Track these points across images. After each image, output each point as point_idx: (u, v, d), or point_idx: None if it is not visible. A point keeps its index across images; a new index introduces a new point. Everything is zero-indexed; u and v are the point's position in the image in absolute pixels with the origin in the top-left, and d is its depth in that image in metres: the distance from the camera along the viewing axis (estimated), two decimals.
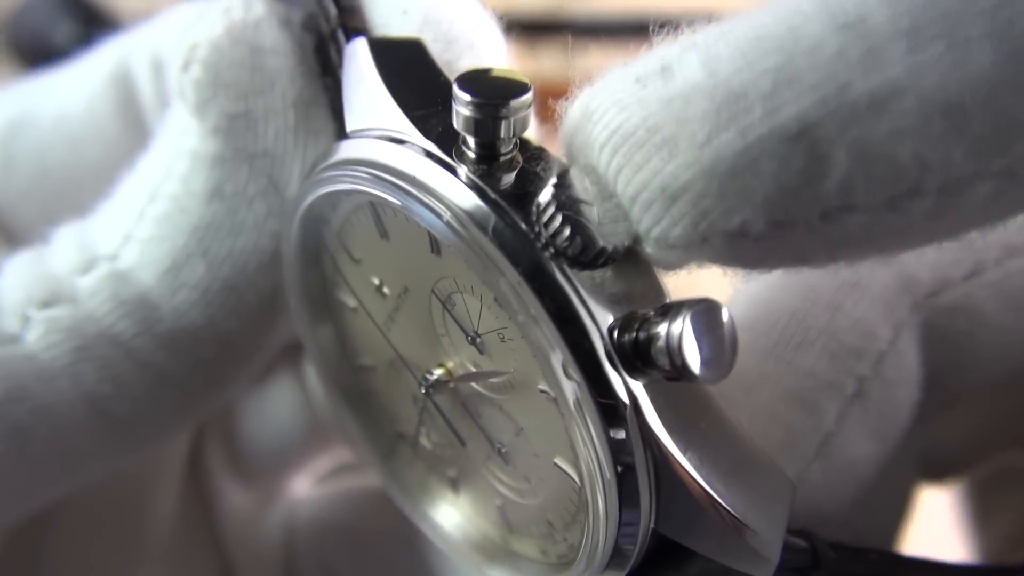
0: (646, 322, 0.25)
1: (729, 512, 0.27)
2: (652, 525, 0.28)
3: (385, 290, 0.34)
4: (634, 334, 0.25)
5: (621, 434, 0.26)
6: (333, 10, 0.34)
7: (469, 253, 0.27)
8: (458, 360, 0.33)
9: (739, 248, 0.24)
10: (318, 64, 0.35)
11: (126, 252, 0.35)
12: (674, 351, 0.24)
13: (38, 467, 0.35)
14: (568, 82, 0.30)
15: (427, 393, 0.34)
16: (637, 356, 0.25)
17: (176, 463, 0.47)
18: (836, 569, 0.32)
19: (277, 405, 0.50)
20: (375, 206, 0.32)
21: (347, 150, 0.31)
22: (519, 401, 0.31)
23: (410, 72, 0.31)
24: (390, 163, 0.29)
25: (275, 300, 0.37)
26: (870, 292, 0.33)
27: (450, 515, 0.39)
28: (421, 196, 0.28)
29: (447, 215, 0.27)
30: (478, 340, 0.31)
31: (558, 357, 0.26)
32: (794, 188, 0.22)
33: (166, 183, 0.35)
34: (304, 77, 0.35)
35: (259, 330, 0.38)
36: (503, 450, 0.34)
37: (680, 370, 0.24)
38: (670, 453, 0.26)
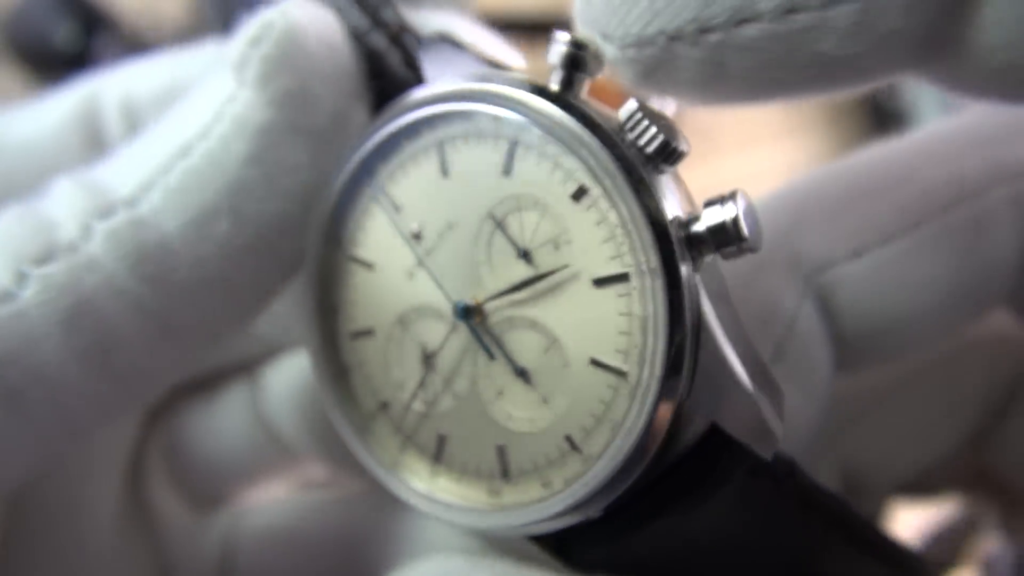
0: (709, 207, 0.33)
1: (748, 385, 0.33)
2: (685, 397, 0.33)
3: (424, 232, 0.38)
4: (699, 220, 0.33)
5: (680, 309, 0.33)
6: (396, 21, 0.39)
7: (567, 149, 0.34)
8: (494, 285, 0.36)
9: (678, 54, 0.32)
10: (369, 67, 0.39)
11: (148, 198, 0.36)
12: (739, 224, 0.32)
13: (37, 428, 0.35)
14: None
15: (465, 320, 0.37)
16: (704, 239, 0.33)
17: (114, 469, 0.47)
18: (807, 484, 0.36)
19: (225, 424, 0.51)
20: (443, 143, 0.37)
21: (433, 88, 0.37)
22: (560, 305, 0.35)
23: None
24: (488, 87, 0.36)
25: (289, 269, 0.39)
26: (772, 269, 0.39)
27: (432, 484, 0.39)
28: (524, 109, 0.35)
29: (548, 122, 0.34)
30: (529, 253, 0.35)
31: (637, 235, 0.33)
32: None
33: (203, 141, 0.36)
34: (357, 77, 0.38)
35: (268, 292, 0.39)
36: (527, 372, 0.36)
37: (741, 240, 0.32)
38: (714, 328, 0.33)
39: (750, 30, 0.31)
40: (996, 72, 0.32)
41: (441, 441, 0.38)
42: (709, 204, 0.34)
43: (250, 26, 0.37)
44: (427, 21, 0.42)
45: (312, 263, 0.40)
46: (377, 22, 0.39)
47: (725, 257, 0.34)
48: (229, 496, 0.53)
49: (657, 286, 0.33)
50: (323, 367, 0.40)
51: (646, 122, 0.34)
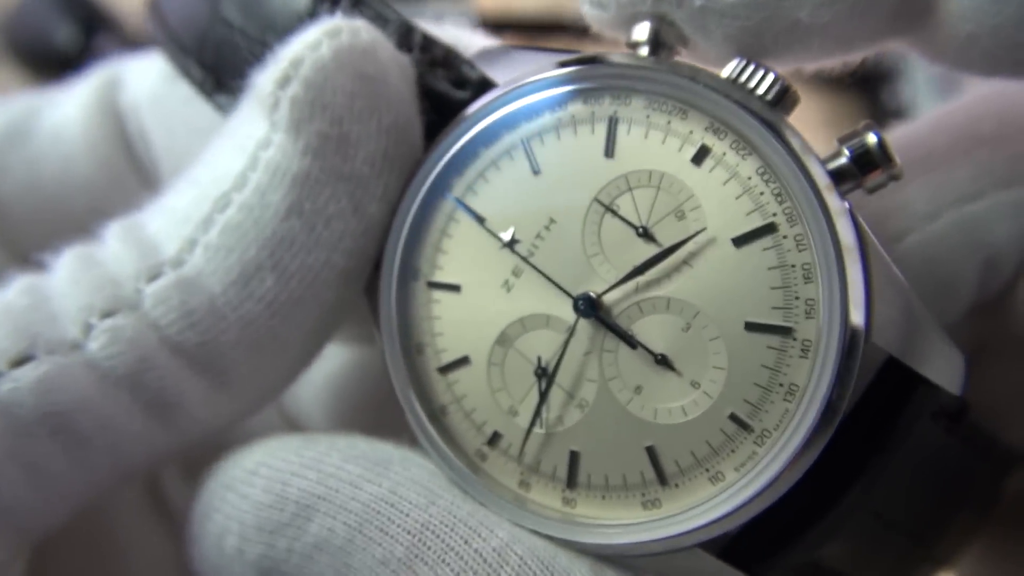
0: (846, 141, 0.33)
1: (926, 312, 0.33)
2: (867, 337, 0.32)
3: (519, 237, 0.35)
4: (840, 154, 0.33)
5: (848, 239, 0.32)
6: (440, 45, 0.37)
7: (680, 113, 0.34)
8: (614, 273, 0.34)
9: (665, 14, 0.34)
10: (419, 89, 0.36)
11: (193, 258, 0.35)
12: (886, 146, 0.33)
13: (95, 474, 0.35)
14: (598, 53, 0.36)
15: (591, 313, 0.34)
16: (849, 171, 0.33)
17: (134, 494, 0.46)
18: (977, 425, 0.35)
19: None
20: (528, 140, 0.35)
21: (509, 86, 0.35)
22: (697, 276, 0.34)
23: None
24: (577, 69, 0.35)
25: (337, 315, 0.38)
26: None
27: (568, 512, 0.35)
28: (627, 80, 0.34)
29: (658, 86, 0.34)
30: (649, 231, 0.34)
31: (780, 181, 0.33)
32: None
33: (240, 192, 0.35)
34: (402, 103, 0.36)
35: (317, 342, 0.38)
36: (667, 357, 0.34)
37: (890, 164, 0.33)
38: (882, 253, 0.32)
39: None
40: (964, 42, 0.33)
41: (574, 460, 0.35)
42: (844, 139, 0.33)
43: (279, 60, 0.35)
44: (468, 42, 0.40)
45: (388, 303, 0.37)
46: (419, 46, 0.37)
47: (871, 189, 0.33)
48: None
49: (814, 227, 0.32)
50: (416, 413, 0.36)
51: (761, 71, 0.33)
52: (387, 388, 0.41)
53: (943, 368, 0.34)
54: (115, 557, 0.45)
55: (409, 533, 0.33)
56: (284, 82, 0.34)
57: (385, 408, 0.46)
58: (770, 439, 0.32)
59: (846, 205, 0.32)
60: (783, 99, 0.33)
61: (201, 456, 0.50)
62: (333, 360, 0.50)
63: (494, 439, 0.36)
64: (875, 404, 0.32)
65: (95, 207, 0.40)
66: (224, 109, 0.40)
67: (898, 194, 0.37)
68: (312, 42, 0.34)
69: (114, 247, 0.36)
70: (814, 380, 0.32)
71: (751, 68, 0.34)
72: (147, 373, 0.34)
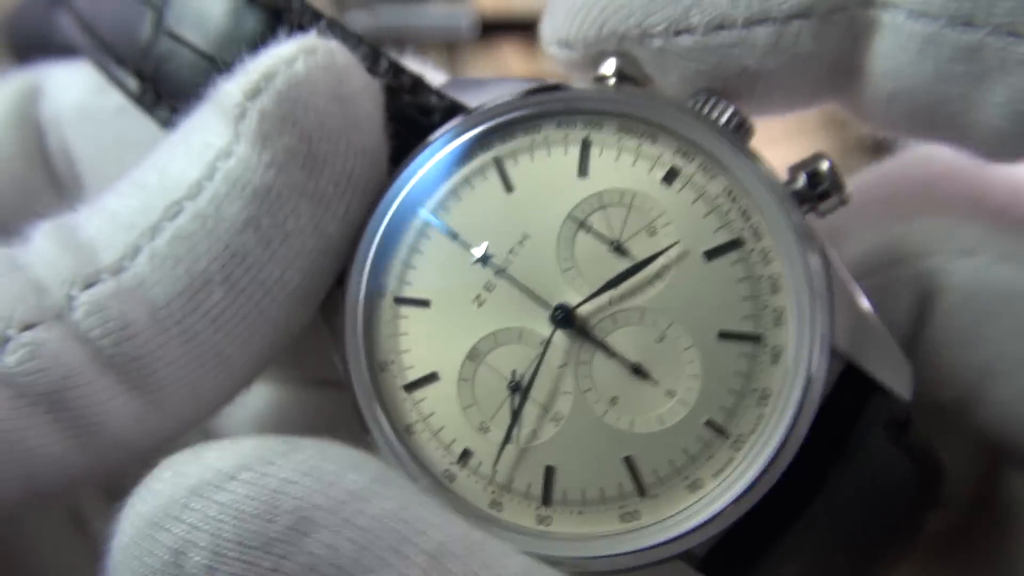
0: (799, 169, 0.36)
1: (872, 312, 0.35)
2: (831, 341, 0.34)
3: (492, 252, 0.36)
4: (796, 178, 0.36)
5: (812, 256, 0.34)
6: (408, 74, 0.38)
7: (650, 137, 0.36)
8: (587, 287, 0.35)
9: (627, 51, 0.36)
10: (389, 112, 0.36)
11: (135, 267, 0.33)
12: (836, 173, 0.35)
13: (1, 494, 0.33)
14: (567, 82, 0.38)
15: (567, 324, 0.35)
16: (805, 194, 0.35)
17: (56, 521, 0.45)
18: (923, 433, 0.37)
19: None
20: (500, 160, 0.36)
21: (484, 108, 0.36)
22: (670, 288, 0.35)
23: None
24: (552, 94, 0.36)
25: (284, 335, 0.36)
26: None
27: (543, 529, 0.35)
28: (598, 105, 0.36)
29: (628, 112, 0.36)
30: (622, 246, 0.35)
31: (747, 198, 0.35)
32: (654, 8, 0.35)
33: (194, 201, 0.34)
34: (372, 127, 0.36)
35: (260, 362, 0.36)
36: (642, 367, 0.35)
37: (840, 190, 0.36)
38: (840, 267, 0.35)
39: (685, 40, 0.35)
40: (887, 101, 0.35)
41: (549, 475, 0.35)
42: (796, 168, 0.36)
43: (249, 72, 0.34)
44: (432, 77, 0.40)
45: (354, 320, 0.36)
46: (386, 73, 0.37)
47: (822, 213, 0.35)
48: None
49: (780, 240, 0.34)
50: (384, 430, 0.36)
51: (722, 102, 0.36)
52: (317, 426, 0.40)
53: (895, 375, 0.35)
54: (27, 571, 0.44)
55: (427, 555, 0.29)
56: (254, 93, 0.33)
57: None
58: (746, 444, 0.34)
59: (805, 221, 0.34)
60: (742, 127, 0.36)
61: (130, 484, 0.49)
62: (258, 398, 0.48)
63: (464, 457, 0.36)
64: (834, 412, 0.34)
65: (4, 227, 0.38)
66: (164, 122, 0.40)
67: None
68: (287, 57, 0.34)
69: (43, 249, 0.34)
70: (787, 385, 0.33)
71: (712, 100, 0.36)
72: (70, 391, 0.32)
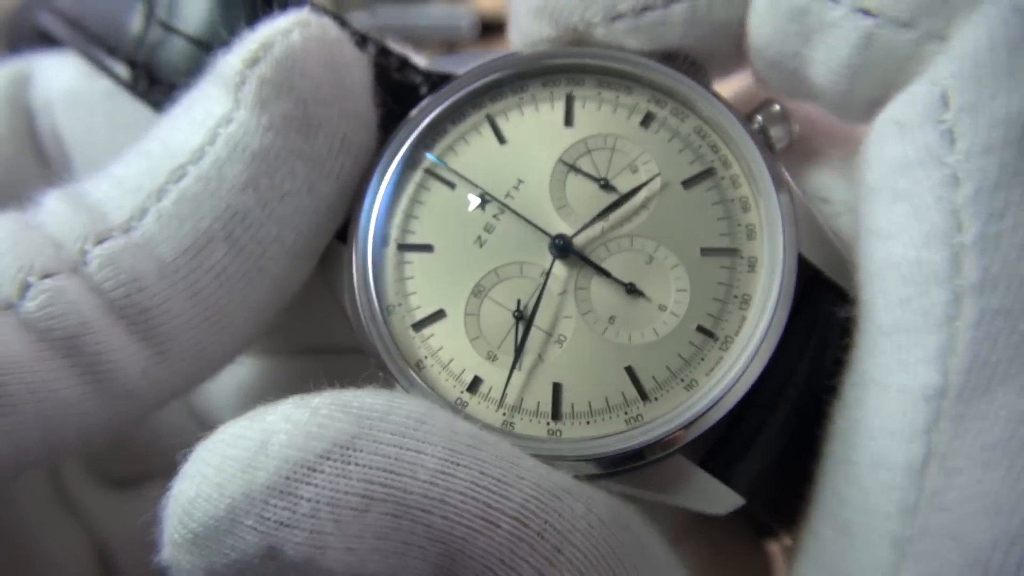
0: (756, 111, 0.40)
1: (825, 222, 0.39)
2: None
3: (487, 197, 0.39)
4: (755, 116, 0.40)
5: (776, 176, 0.38)
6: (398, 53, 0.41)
7: (626, 89, 0.40)
8: (581, 219, 0.39)
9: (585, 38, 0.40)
10: (379, 84, 0.39)
11: (143, 226, 0.35)
12: (783, 113, 0.40)
13: (22, 441, 0.33)
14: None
15: (566, 251, 0.38)
16: (763, 128, 0.40)
17: (38, 490, 0.46)
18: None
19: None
20: (492, 117, 0.40)
21: (473, 72, 0.40)
22: (655, 214, 0.39)
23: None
24: (534, 55, 0.40)
25: (282, 293, 0.38)
26: None
27: (553, 440, 0.37)
28: (579, 63, 0.40)
29: (605, 67, 0.40)
30: (609, 182, 0.39)
31: (716, 134, 0.39)
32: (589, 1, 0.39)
33: (197, 165, 0.35)
34: (362, 94, 0.38)
35: (263, 318, 0.38)
36: (636, 286, 0.38)
37: (788, 123, 0.40)
38: (793, 185, 0.39)
39: (620, 25, 0.39)
40: (755, 58, 0.39)
41: (557, 392, 0.38)
42: (754, 110, 0.40)
43: (248, 43, 0.36)
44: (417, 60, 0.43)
45: (364, 268, 0.39)
46: (375, 53, 0.40)
47: (774, 146, 0.40)
48: (154, 475, 0.50)
49: (748, 166, 0.38)
50: (399, 364, 0.38)
51: (680, 52, 0.40)
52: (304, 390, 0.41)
53: (847, 280, 0.38)
54: (20, 551, 0.44)
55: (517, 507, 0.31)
56: (253, 62, 0.35)
57: None
58: (733, 344, 0.37)
59: (767, 148, 0.39)
60: (699, 70, 0.40)
61: (105, 452, 0.49)
62: (245, 370, 0.50)
63: (474, 385, 0.38)
64: (800, 313, 0.37)
65: None
66: (159, 105, 0.42)
67: None
68: (283, 28, 0.36)
69: (56, 209, 0.36)
70: (764, 288, 0.37)
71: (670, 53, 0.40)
72: (86, 337, 0.33)
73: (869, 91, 0.37)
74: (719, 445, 0.37)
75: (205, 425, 0.48)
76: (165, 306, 0.35)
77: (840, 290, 0.38)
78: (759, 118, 0.40)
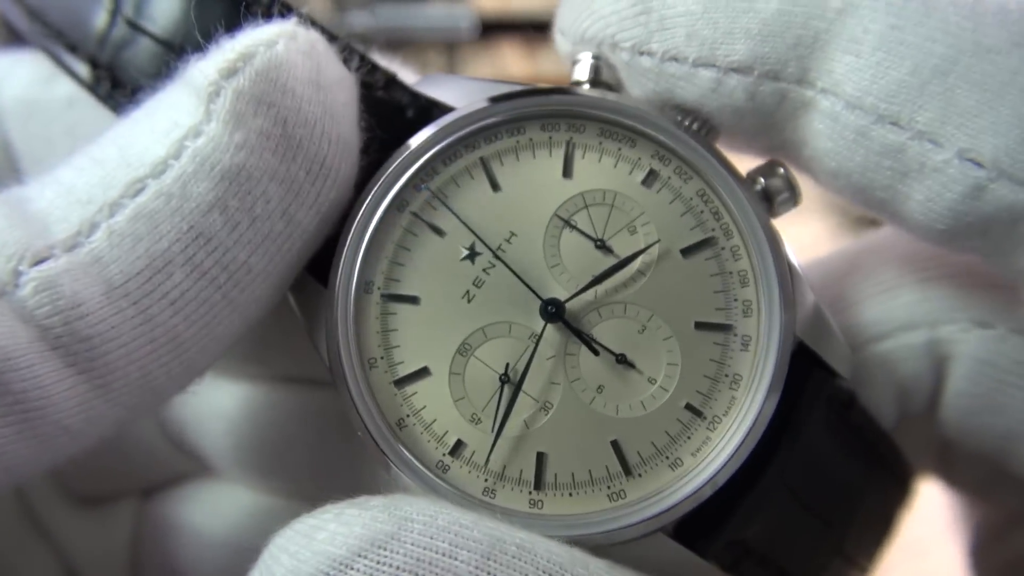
0: (759, 173, 0.38)
1: (817, 302, 0.38)
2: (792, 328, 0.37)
3: (478, 249, 0.37)
4: (758, 180, 0.38)
5: (778, 252, 0.37)
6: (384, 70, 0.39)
7: (629, 141, 0.38)
8: (574, 283, 0.37)
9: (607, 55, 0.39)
10: (363, 105, 0.37)
11: (92, 243, 0.32)
12: (788, 177, 0.38)
13: None
14: (566, 81, 0.40)
15: (558, 317, 0.37)
16: (767, 193, 0.38)
17: (4, 503, 0.44)
18: (866, 412, 0.40)
19: (120, 439, 0.48)
20: (487, 160, 0.38)
21: (468, 110, 0.37)
22: (651, 283, 0.37)
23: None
24: (537, 98, 0.38)
25: (245, 322, 0.35)
26: None
27: (535, 511, 0.37)
28: (582, 110, 0.38)
29: (609, 116, 0.38)
30: (606, 243, 0.37)
31: (718, 200, 0.38)
32: (625, 25, 0.38)
33: (159, 179, 0.32)
34: (347, 116, 0.35)
35: (218, 349, 0.35)
36: (626, 357, 0.37)
37: (793, 189, 0.38)
38: (794, 259, 0.38)
39: (645, 61, 0.37)
40: (831, 176, 0.38)
41: (540, 461, 0.37)
42: (754, 172, 0.38)
43: (225, 51, 0.33)
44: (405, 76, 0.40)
45: (345, 315, 0.37)
46: (361, 69, 0.38)
47: (777, 212, 0.38)
48: (124, 494, 0.50)
49: (750, 238, 0.37)
50: (376, 423, 0.36)
51: (687, 108, 0.38)
52: (318, 425, 0.41)
53: (840, 359, 0.39)
54: None
55: None
56: (230, 72, 0.32)
57: (321, 448, 0.45)
58: (720, 424, 0.37)
59: (768, 219, 0.37)
60: (710, 131, 0.38)
61: (73, 470, 0.48)
62: (227, 396, 0.47)
63: (457, 448, 0.37)
64: (787, 390, 0.37)
65: None
66: (120, 109, 0.39)
67: (848, 312, 0.41)
68: (267, 39, 0.33)
69: None
70: (756, 369, 0.36)
71: (676, 108, 0.38)
72: (9, 375, 0.30)
73: (976, 232, 0.36)
74: (697, 512, 0.36)
75: (176, 445, 0.46)
76: (109, 335, 0.32)
77: (830, 369, 0.38)
78: (762, 180, 0.38)
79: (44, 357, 0.31)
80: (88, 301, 0.31)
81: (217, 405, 0.47)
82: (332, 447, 0.46)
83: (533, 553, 0.31)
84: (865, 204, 0.38)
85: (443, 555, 0.30)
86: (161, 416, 0.47)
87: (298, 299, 0.38)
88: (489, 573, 0.30)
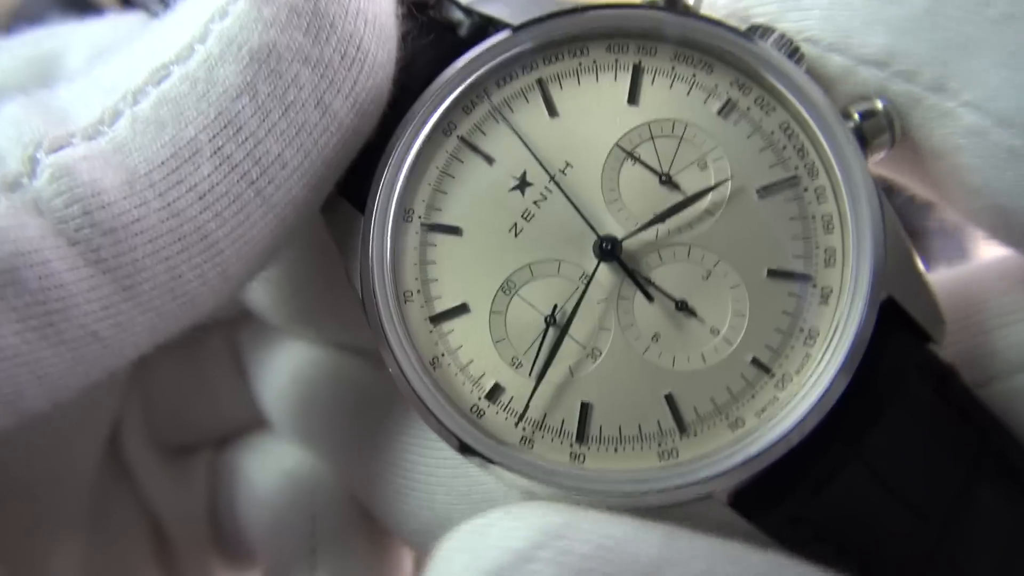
0: (856, 107, 0.34)
1: (914, 256, 0.34)
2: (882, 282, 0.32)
3: (529, 179, 0.34)
4: (852, 114, 0.34)
5: (867, 195, 0.33)
6: None
7: (706, 66, 0.34)
8: (634, 220, 0.34)
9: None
10: (417, 21, 0.34)
11: (114, 130, 0.29)
12: (891, 112, 0.34)
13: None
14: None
15: (613, 257, 0.33)
16: (862, 131, 0.34)
17: (95, 437, 0.43)
18: (966, 388, 0.35)
19: (209, 385, 0.47)
20: (544, 82, 0.34)
21: (526, 27, 0.34)
22: (720, 224, 0.34)
23: None
24: (603, 13, 0.34)
25: (282, 227, 0.33)
26: None
27: (575, 467, 0.34)
28: (654, 30, 0.34)
29: (685, 37, 0.34)
30: (672, 179, 0.34)
31: (804, 134, 0.34)
32: None
33: (185, 64, 0.30)
34: (386, 2, 0.33)
35: (256, 253, 0.32)
36: (688, 304, 0.33)
37: (892, 127, 0.34)
38: (889, 207, 0.33)
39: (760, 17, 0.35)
40: (973, 193, 0.35)
41: (585, 412, 0.33)
42: (853, 103, 0.34)
43: None
44: None
45: (381, 245, 0.34)
46: None
47: (874, 151, 0.34)
48: (204, 444, 0.50)
49: (841, 179, 0.33)
50: (411, 362, 0.34)
51: (773, 28, 0.34)
52: (359, 395, 0.39)
53: (933, 321, 0.34)
54: (76, 519, 0.43)
55: None
56: None
57: (358, 418, 0.42)
58: (791, 383, 0.33)
59: (863, 159, 0.33)
60: (796, 54, 0.34)
61: (167, 420, 0.47)
62: (303, 356, 0.46)
63: (494, 392, 0.34)
64: (872, 351, 0.33)
65: None
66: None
67: (984, 339, 0.37)
68: None
69: (6, 112, 0.30)
70: (837, 326, 0.33)
71: (769, 31, 0.35)
72: (24, 271, 0.28)
73: None
74: (757, 480, 0.33)
75: (259, 407, 0.46)
76: (133, 227, 0.29)
77: (923, 332, 0.34)
78: (856, 114, 0.34)
79: (61, 253, 0.28)
80: (109, 190, 0.29)
81: (281, 361, 0.45)
82: (372, 419, 0.46)
83: (711, 548, 0.30)
84: (1005, 228, 0.35)
85: (622, 541, 0.29)
86: (243, 359, 0.46)
87: (332, 224, 0.35)
88: (669, 560, 0.29)
